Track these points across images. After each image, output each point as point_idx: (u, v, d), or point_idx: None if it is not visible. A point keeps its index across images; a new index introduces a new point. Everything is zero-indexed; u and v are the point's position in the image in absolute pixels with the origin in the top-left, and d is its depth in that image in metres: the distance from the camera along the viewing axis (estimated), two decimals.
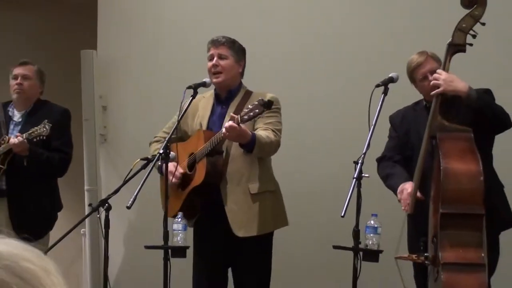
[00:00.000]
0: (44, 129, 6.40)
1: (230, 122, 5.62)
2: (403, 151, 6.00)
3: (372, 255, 5.64)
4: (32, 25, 9.88)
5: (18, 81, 6.70)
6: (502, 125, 5.73)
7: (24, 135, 6.39)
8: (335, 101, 7.48)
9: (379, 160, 6.08)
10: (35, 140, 6.41)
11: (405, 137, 6.01)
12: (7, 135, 6.58)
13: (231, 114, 5.75)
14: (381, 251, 5.66)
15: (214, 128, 6.06)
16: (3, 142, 6.51)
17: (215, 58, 6.09)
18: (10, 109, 6.80)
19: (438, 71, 5.61)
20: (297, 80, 7.62)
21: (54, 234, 6.25)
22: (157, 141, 6.26)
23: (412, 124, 5.98)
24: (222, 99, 6.17)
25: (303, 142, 7.48)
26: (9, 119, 6.77)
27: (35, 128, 6.41)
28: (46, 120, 6.45)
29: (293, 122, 6.94)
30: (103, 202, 5.96)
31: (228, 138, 5.79)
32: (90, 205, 7.43)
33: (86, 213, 6.74)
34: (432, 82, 5.59)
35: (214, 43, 6.15)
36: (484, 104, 5.54)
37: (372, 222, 5.65)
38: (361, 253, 5.56)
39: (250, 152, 5.90)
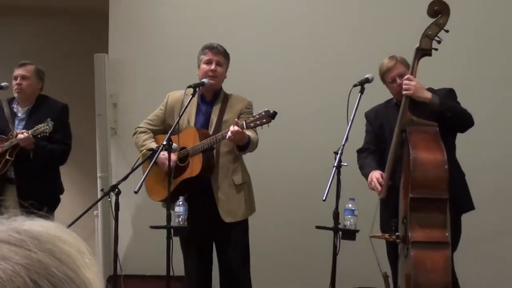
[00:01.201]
0: (47, 126, 6.37)
1: (236, 128, 5.68)
2: (378, 143, 6.00)
3: (350, 234, 5.66)
4: (50, 31, 9.86)
5: (18, 81, 6.64)
6: (463, 125, 5.73)
7: (29, 131, 6.37)
8: (318, 99, 7.49)
9: (358, 152, 6.09)
10: (39, 136, 6.39)
11: (379, 131, 6.00)
12: (13, 130, 6.56)
13: (236, 120, 5.81)
14: (357, 231, 5.67)
15: (198, 124, 6.11)
16: (11, 137, 6.48)
17: (213, 64, 6.10)
18: (15, 106, 6.72)
19: (410, 77, 5.60)
20: (284, 81, 7.62)
21: (69, 215, 6.23)
22: (143, 131, 6.27)
23: (384, 120, 5.97)
24: (207, 100, 6.19)
25: (291, 137, 7.49)
26: (14, 115, 6.71)
27: (40, 125, 6.37)
28: (49, 119, 6.42)
29: (282, 119, 6.91)
30: (114, 187, 5.94)
31: (231, 140, 5.83)
32: (102, 190, 7.47)
33: (99, 197, 6.74)
34: (404, 87, 5.58)
35: (214, 50, 6.15)
36: (446, 108, 5.55)
37: (350, 205, 5.68)
38: (340, 232, 5.58)
39: (243, 151, 5.98)
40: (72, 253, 0.83)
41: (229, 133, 5.72)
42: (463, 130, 5.77)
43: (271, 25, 7.84)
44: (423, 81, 5.76)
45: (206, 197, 6.00)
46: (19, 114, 6.73)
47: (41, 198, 6.23)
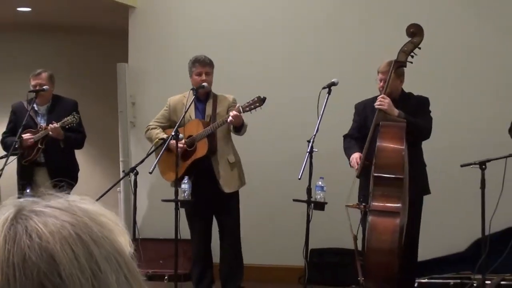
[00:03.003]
0: (74, 118, 6.36)
1: (235, 112, 5.84)
2: (362, 131, 5.92)
3: (320, 205, 5.71)
4: (82, 45, 9.84)
5: (36, 89, 6.51)
6: (418, 138, 5.76)
7: (58, 123, 6.34)
8: (296, 96, 7.47)
9: (344, 137, 6.02)
10: (67, 127, 6.39)
11: (364, 122, 5.93)
12: (36, 125, 6.53)
13: (233, 107, 5.99)
14: (326, 203, 5.71)
15: (197, 117, 6.20)
16: (40, 129, 6.45)
17: (203, 75, 6.15)
18: (35, 105, 6.59)
19: (385, 96, 5.62)
20: (270, 82, 7.63)
21: (97, 191, 6.26)
22: (153, 128, 6.33)
23: (369, 112, 5.88)
24: (201, 100, 6.25)
25: (274, 126, 7.46)
26: (35, 112, 6.63)
27: (67, 118, 6.35)
28: (75, 112, 6.43)
29: (270, 115, 6.94)
30: (133, 169, 5.97)
31: (232, 123, 5.93)
32: (123, 171, 7.46)
33: (121, 177, 6.76)
34: (379, 103, 5.59)
35: (202, 63, 6.20)
36: (408, 123, 5.55)
37: (319, 183, 5.72)
38: (312, 204, 5.63)
39: (239, 132, 6.07)
40: (109, 222, 0.86)
41: (230, 118, 5.85)
42: (416, 141, 5.75)
43: (268, 33, 7.81)
44: (408, 87, 5.85)
45: (209, 173, 6.06)
46: (40, 112, 6.65)
47: (66, 177, 6.26)
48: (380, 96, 5.65)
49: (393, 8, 7.35)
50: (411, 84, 6.02)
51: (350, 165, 5.78)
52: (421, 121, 5.73)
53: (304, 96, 6.63)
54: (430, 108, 5.83)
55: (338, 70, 6.19)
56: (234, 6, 7.91)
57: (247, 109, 5.86)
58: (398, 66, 5.70)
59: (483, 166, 5.51)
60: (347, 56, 7.39)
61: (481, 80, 7.29)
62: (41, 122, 6.55)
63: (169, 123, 6.28)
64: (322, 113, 5.69)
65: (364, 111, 5.96)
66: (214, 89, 6.30)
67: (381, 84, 5.77)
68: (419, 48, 5.69)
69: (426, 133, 5.76)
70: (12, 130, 6.62)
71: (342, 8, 7.63)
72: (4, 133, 6.69)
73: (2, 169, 6.08)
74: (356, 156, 5.73)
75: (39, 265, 0.77)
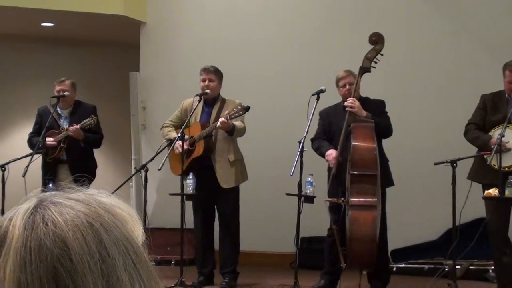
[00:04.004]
0: (92, 121, 6.38)
1: (222, 119, 5.83)
2: (327, 134, 5.96)
3: (309, 199, 5.72)
4: (98, 57, 9.85)
5: (60, 95, 6.54)
6: (382, 136, 5.75)
7: (78, 125, 6.35)
8: (290, 101, 7.48)
9: (312, 140, 6.02)
10: (86, 128, 6.39)
11: (328, 127, 5.96)
12: (59, 126, 6.54)
13: (223, 114, 5.95)
14: (315, 197, 5.73)
15: (201, 120, 6.20)
16: (62, 130, 6.45)
17: (207, 81, 6.17)
18: (58, 109, 6.62)
19: (354, 99, 5.63)
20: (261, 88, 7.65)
21: (111, 186, 6.24)
22: (167, 126, 6.34)
23: (332, 118, 5.92)
24: (208, 104, 6.26)
25: (271, 128, 7.49)
26: (58, 115, 6.64)
27: (86, 120, 6.36)
28: (92, 115, 6.43)
29: (266, 119, 6.98)
30: (143, 166, 6.00)
31: (220, 128, 5.94)
32: (135, 168, 7.45)
33: (133, 173, 6.77)
34: (349, 105, 5.60)
35: (206, 71, 6.22)
36: (376, 123, 5.58)
37: (309, 178, 5.73)
38: (302, 197, 5.64)
39: (231, 135, 6.05)
40: (123, 213, 0.85)
41: (218, 123, 5.86)
42: (381, 138, 5.77)
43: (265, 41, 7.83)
44: (365, 92, 5.83)
45: (209, 170, 6.06)
46: (63, 115, 6.65)
47: (85, 173, 6.26)
48: (350, 99, 5.65)
49: (371, 26, 7.36)
50: (389, 89, 6.03)
51: (327, 160, 5.74)
52: (383, 120, 5.74)
53: (296, 102, 6.62)
54: (401, 111, 5.85)
55: (325, 79, 6.18)
56: (234, 22, 7.92)
57: (233, 116, 5.88)
58: (363, 72, 5.70)
59: (454, 164, 5.53)
60: (333, 67, 7.39)
61: (456, 87, 7.32)
62: (64, 124, 6.57)
63: (180, 123, 6.28)
64: (312, 117, 5.72)
65: (328, 117, 5.95)
66: (222, 94, 6.30)
67: (347, 88, 5.77)
68: (381, 55, 5.69)
69: (389, 131, 5.78)
70: (37, 130, 6.63)
71: (328, 26, 7.67)
72: (31, 133, 6.72)
73: (28, 166, 6.09)
74: (332, 154, 5.71)
75: (53, 250, 0.78)
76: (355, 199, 5.43)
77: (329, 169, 5.77)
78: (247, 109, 5.91)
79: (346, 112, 5.68)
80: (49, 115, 6.48)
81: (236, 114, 5.89)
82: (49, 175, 6.41)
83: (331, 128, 5.92)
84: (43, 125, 6.48)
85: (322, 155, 5.85)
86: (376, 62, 5.70)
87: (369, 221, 5.38)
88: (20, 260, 0.78)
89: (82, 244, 0.79)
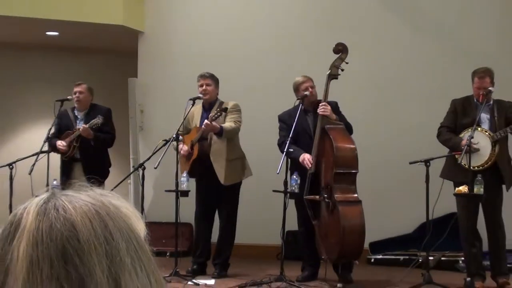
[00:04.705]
0: (99, 120, 6.40)
1: (206, 121, 5.86)
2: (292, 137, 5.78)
3: (294, 195, 5.69)
4: (99, 63, 9.81)
5: (76, 95, 6.65)
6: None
7: (87, 125, 6.39)
8: (277, 111, 7.48)
9: (279, 144, 5.95)
10: (94, 127, 6.40)
11: (290, 128, 5.76)
12: (76, 127, 6.59)
13: (231, 112, 6.05)
14: (299, 193, 5.67)
15: (200, 124, 6.15)
16: (75, 130, 6.49)
17: (204, 86, 6.15)
18: (75, 111, 6.72)
19: (326, 104, 5.64)
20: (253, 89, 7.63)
21: (112, 183, 6.24)
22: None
23: (293, 120, 5.75)
24: (207, 108, 6.25)
25: (259, 133, 7.45)
26: (75, 117, 6.71)
27: (93, 120, 6.42)
28: (99, 115, 6.45)
29: (256, 124, 6.93)
30: (141, 165, 5.99)
31: (205, 131, 5.95)
32: (133, 166, 7.45)
33: (131, 171, 6.74)
34: (322, 109, 5.60)
35: (202, 76, 6.24)
36: (345, 124, 5.65)
37: (294, 177, 5.69)
38: (288, 194, 5.63)
39: (220, 136, 6.04)
40: (128, 212, 0.87)
41: (203, 126, 5.89)
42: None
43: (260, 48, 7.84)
44: (335, 96, 5.83)
45: (210, 169, 6.06)
46: (79, 117, 6.71)
47: (98, 171, 6.26)
48: (322, 104, 5.66)
49: (356, 37, 7.36)
50: (371, 91, 6.02)
51: (303, 163, 5.68)
52: (345, 121, 5.79)
53: (283, 108, 6.61)
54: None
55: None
56: (228, 31, 7.89)
57: (214, 118, 5.88)
58: (332, 78, 5.73)
59: (427, 164, 5.55)
60: (317, 74, 7.39)
61: (428, 93, 7.34)
62: (80, 124, 6.60)
63: (186, 131, 6.32)
64: (296, 121, 5.70)
65: (290, 120, 5.86)
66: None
67: (311, 90, 5.82)
68: (347, 63, 5.72)
69: (352, 130, 5.80)
70: (56, 132, 6.70)
71: (317, 36, 7.65)
72: (51, 134, 6.67)
73: (34, 164, 6.12)
74: (307, 157, 5.68)
75: (62, 231, 0.81)
76: (340, 196, 5.47)
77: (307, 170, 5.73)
78: (224, 110, 5.94)
79: (308, 114, 5.79)
80: (67, 117, 6.64)
81: (214, 116, 5.89)
82: (66, 175, 6.44)
83: (294, 130, 5.73)
84: (62, 126, 6.65)
85: (295, 159, 5.78)
86: (342, 70, 5.74)
87: (357, 214, 5.44)
88: (33, 240, 0.81)
89: (89, 228, 0.82)
